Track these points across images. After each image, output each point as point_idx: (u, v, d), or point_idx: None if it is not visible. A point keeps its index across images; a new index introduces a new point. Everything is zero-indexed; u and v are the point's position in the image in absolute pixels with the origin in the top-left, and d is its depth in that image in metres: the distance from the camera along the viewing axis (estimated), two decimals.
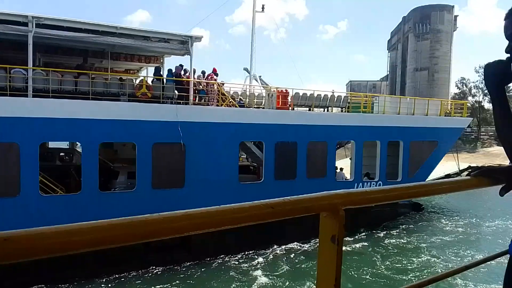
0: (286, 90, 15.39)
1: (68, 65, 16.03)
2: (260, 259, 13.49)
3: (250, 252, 13.96)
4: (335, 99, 16.79)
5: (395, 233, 16.30)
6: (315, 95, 16.26)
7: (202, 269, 12.84)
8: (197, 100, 14.30)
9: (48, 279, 11.25)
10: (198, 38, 13.52)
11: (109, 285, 11.74)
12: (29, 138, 11.32)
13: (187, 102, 13.68)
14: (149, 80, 13.93)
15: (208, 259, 13.48)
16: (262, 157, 14.98)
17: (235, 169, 14.28)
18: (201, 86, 14.13)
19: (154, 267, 12.90)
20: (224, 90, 14.65)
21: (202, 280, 12.14)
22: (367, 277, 12.38)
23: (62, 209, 11.59)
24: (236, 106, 14.63)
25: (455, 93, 78.97)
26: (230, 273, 12.42)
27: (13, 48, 14.09)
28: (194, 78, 13.93)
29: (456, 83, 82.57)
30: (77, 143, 19.06)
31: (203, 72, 14.85)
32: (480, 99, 67.06)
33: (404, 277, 12.33)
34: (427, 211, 19.63)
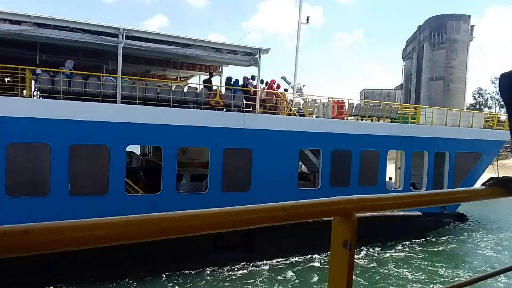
0: (342, 100, 16.21)
1: (128, 72, 17.04)
2: (273, 262, 13.95)
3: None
4: (386, 109, 17.56)
5: (424, 243, 16.82)
6: (368, 105, 17.07)
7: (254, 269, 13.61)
8: (260, 108, 15.15)
9: (118, 273, 12.09)
10: (266, 51, 14.42)
11: (176, 281, 12.47)
12: (117, 141, 12.25)
13: (254, 110, 14.54)
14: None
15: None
16: (318, 164, 15.76)
17: (295, 175, 15.08)
18: (266, 96, 15.00)
19: (219, 266, 13.67)
20: (287, 100, 15.50)
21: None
22: (381, 284, 12.70)
23: (144, 208, 12.45)
24: (296, 115, 15.47)
25: (471, 104, 79.09)
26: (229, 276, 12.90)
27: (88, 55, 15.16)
28: (262, 88, 14.82)
29: (473, 94, 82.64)
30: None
31: (265, 82, 15.73)
32: (496, 111, 67.26)
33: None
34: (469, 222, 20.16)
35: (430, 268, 14.19)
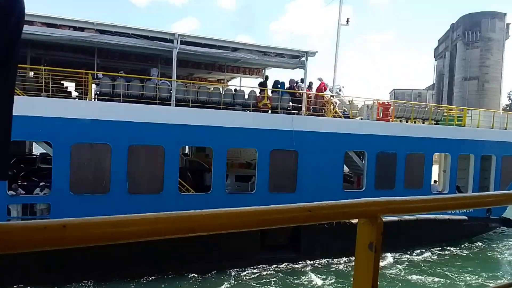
0: (388, 102, 16.14)
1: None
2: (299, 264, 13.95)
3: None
4: (432, 111, 17.36)
5: (466, 247, 16.51)
6: (413, 107, 16.92)
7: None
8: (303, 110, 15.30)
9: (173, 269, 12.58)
10: (313, 53, 14.58)
11: (220, 280, 12.73)
12: (172, 142, 12.73)
13: (299, 112, 14.73)
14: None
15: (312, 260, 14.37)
16: (362, 166, 15.76)
17: (340, 177, 15.15)
18: (315, 98, 15.17)
19: (267, 265, 13.93)
20: (332, 101, 15.63)
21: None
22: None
23: (197, 207, 12.78)
24: (341, 117, 15.55)
25: (506, 105, 76.20)
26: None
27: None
28: (308, 90, 15.00)
29: (509, 94, 79.63)
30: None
31: (311, 83, 15.89)
32: None
33: None
34: None
35: (466, 272, 13.97)
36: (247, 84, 20.20)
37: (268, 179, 13.97)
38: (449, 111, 18.38)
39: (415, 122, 17.65)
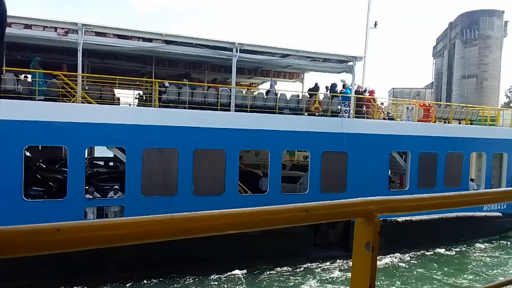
0: (429, 104, 16.76)
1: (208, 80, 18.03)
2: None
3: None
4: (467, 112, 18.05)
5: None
6: (451, 108, 17.59)
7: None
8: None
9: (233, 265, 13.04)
10: (360, 58, 15.14)
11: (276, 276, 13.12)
12: (233, 146, 13.22)
13: (348, 115, 15.30)
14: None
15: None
16: (405, 167, 16.37)
17: (386, 176, 15.74)
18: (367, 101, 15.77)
19: (319, 262, 14.44)
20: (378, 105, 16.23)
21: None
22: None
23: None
24: (385, 119, 16.14)
25: (505, 102, 77.42)
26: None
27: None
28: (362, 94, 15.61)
29: (505, 92, 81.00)
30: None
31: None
32: None
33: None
34: None
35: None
36: (278, 88, 20.71)
37: (320, 180, 14.51)
38: (484, 111, 19.09)
39: (449, 123, 18.32)
